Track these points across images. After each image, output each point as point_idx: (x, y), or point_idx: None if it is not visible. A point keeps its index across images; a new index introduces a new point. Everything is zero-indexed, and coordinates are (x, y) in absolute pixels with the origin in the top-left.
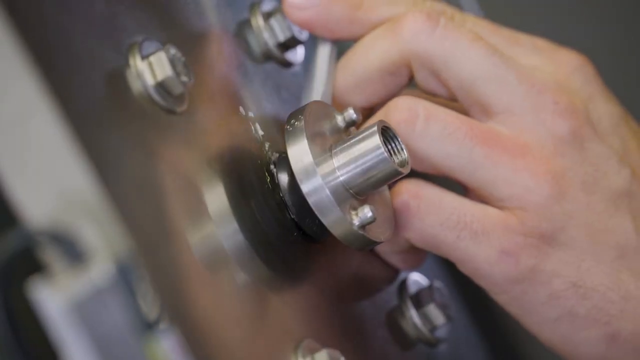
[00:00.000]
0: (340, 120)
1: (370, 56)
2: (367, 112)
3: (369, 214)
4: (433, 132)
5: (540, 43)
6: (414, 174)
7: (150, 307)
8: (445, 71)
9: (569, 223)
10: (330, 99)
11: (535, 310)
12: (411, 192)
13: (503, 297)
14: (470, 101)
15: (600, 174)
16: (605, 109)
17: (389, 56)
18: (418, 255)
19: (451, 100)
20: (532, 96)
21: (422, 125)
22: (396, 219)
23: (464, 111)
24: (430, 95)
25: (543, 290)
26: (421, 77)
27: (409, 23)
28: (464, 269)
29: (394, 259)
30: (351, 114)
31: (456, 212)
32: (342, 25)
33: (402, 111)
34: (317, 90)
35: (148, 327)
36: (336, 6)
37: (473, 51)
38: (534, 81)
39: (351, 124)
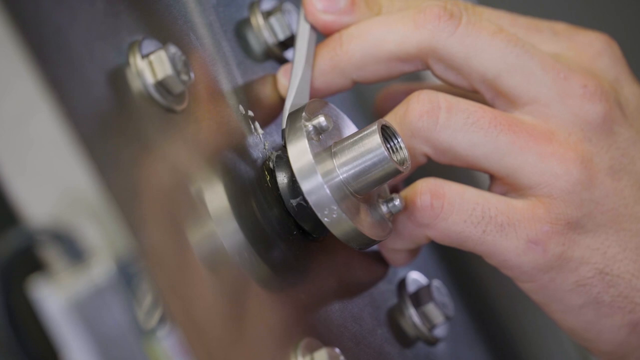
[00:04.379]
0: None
1: (386, 38)
2: (352, 85)
3: (397, 202)
4: (456, 122)
5: (560, 27)
6: (437, 168)
7: (150, 306)
8: (466, 67)
9: (595, 209)
10: (309, 83)
11: (561, 297)
12: (433, 191)
13: (529, 285)
14: (494, 94)
15: (627, 159)
16: (631, 91)
17: (405, 45)
18: (418, 252)
19: (472, 91)
20: (558, 83)
21: (445, 116)
22: (416, 218)
23: (486, 103)
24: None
25: (570, 278)
26: (439, 70)
27: (432, 18)
28: (491, 261)
29: (399, 256)
30: (321, 121)
31: (479, 207)
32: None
33: (423, 104)
34: (296, 75)
35: (148, 326)
36: (357, 12)
37: (494, 45)
38: (559, 68)
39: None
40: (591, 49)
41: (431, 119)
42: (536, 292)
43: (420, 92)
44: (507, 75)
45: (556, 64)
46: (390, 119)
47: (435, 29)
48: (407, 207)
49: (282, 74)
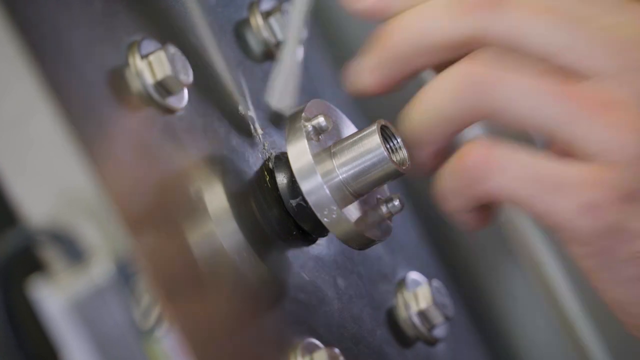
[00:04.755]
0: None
1: (433, 27)
2: (405, 79)
3: (397, 203)
4: (521, 89)
5: None
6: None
7: (149, 306)
8: (520, 51)
9: None
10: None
11: (614, 267)
12: (484, 150)
13: (582, 250)
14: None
15: None
16: None
17: (453, 34)
18: (489, 213)
19: None
20: (617, 56)
21: (508, 79)
22: (465, 177)
23: None
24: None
25: (626, 248)
26: None
27: (476, 4)
28: (544, 223)
29: (466, 217)
30: (321, 121)
31: (532, 167)
32: (405, 3)
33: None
34: (290, 44)
35: (147, 326)
36: None
37: (545, 24)
38: (617, 39)
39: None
40: None
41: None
42: (588, 258)
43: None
44: (566, 51)
45: (614, 36)
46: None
47: (482, 15)
48: (457, 167)
49: None
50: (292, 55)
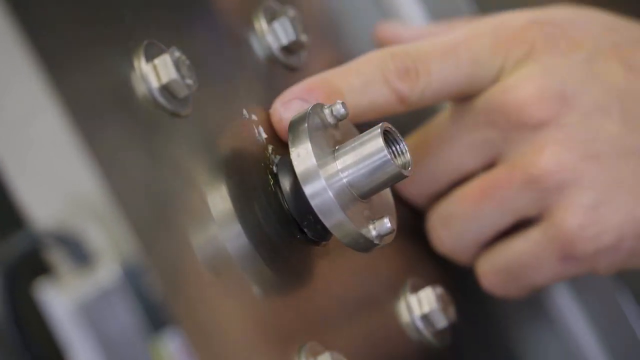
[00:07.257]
0: (328, 114)
1: None
2: None
3: (387, 225)
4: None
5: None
6: None
7: (155, 309)
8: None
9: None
10: None
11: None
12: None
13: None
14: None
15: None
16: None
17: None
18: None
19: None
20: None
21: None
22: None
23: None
24: None
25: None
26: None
27: None
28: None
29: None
30: (339, 108)
31: (515, 261)
32: None
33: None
34: None
35: (153, 328)
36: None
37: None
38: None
39: (341, 119)
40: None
41: None
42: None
43: None
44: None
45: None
46: None
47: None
48: None
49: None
50: None
